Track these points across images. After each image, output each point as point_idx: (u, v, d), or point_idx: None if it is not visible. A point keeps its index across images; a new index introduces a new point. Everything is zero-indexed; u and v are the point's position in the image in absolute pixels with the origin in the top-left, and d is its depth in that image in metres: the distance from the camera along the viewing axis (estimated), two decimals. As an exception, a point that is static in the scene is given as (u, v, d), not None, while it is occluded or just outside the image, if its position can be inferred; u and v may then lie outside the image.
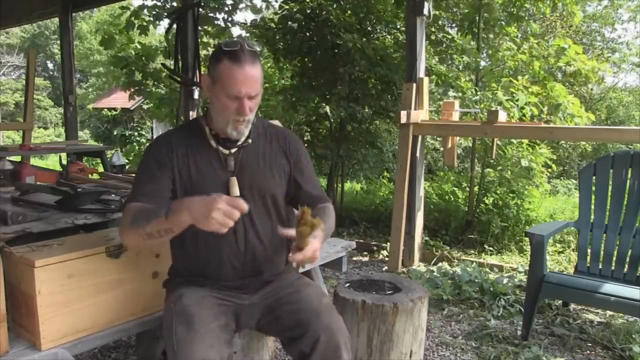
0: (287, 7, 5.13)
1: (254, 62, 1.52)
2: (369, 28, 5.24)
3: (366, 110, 4.94)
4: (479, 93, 4.53)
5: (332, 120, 4.87)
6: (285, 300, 1.63)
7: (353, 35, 4.69)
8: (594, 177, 2.92)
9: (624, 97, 15.01)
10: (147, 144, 1.75)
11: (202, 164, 1.61)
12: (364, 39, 4.86)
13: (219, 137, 1.63)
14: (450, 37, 5.20)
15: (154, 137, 15.09)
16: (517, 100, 4.18)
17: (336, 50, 4.78)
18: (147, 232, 1.43)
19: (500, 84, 4.48)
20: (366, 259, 4.27)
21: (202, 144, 1.63)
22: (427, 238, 4.32)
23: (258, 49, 1.57)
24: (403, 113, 3.74)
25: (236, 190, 1.59)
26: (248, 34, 5.90)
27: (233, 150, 1.63)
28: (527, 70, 4.66)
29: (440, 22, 5.27)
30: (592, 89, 12.58)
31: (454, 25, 5.64)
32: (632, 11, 14.68)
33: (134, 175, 3.30)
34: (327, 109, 4.57)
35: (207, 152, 1.62)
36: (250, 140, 1.65)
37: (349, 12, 5.09)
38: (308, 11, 4.95)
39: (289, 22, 5.07)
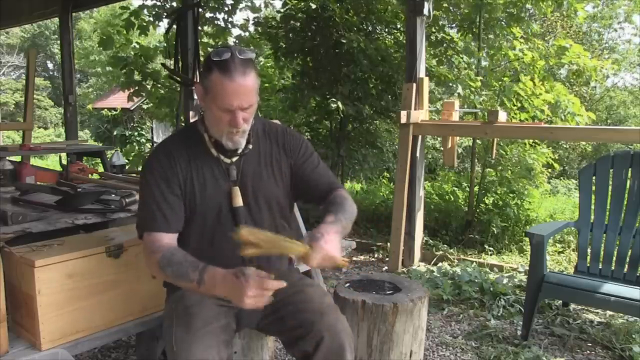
0: (290, 3, 5.12)
1: (246, 71, 1.44)
2: (369, 28, 5.24)
3: (367, 109, 4.94)
4: (483, 92, 4.53)
5: (341, 116, 4.83)
6: (288, 301, 1.62)
7: (356, 35, 4.68)
8: (594, 177, 2.92)
9: (624, 97, 15.02)
10: (147, 157, 1.67)
11: (204, 173, 1.57)
12: (366, 39, 4.86)
13: (218, 144, 1.58)
14: (450, 37, 5.19)
15: (154, 137, 15.13)
16: (530, 102, 4.17)
17: (337, 50, 4.78)
18: (175, 282, 1.49)
19: (503, 85, 4.47)
20: (366, 259, 4.27)
21: (202, 152, 1.58)
22: (427, 238, 4.31)
23: (251, 56, 1.49)
24: (403, 113, 3.74)
25: (239, 201, 1.57)
26: (247, 34, 5.90)
27: (234, 159, 1.60)
28: (529, 70, 4.65)
29: (440, 23, 5.27)
30: (593, 88, 12.59)
31: (454, 25, 5.63)
32: (629, 11, 14.70)
33: (134, 175, 3.31)
34: (339, 104, 4.53)
35: (208, 161, 1.58)
36: (250, 146, 1.62)
37: (351, 12, 5.09)
38: (313, 7, 4.94)
39: (292, 21, 5.07)
